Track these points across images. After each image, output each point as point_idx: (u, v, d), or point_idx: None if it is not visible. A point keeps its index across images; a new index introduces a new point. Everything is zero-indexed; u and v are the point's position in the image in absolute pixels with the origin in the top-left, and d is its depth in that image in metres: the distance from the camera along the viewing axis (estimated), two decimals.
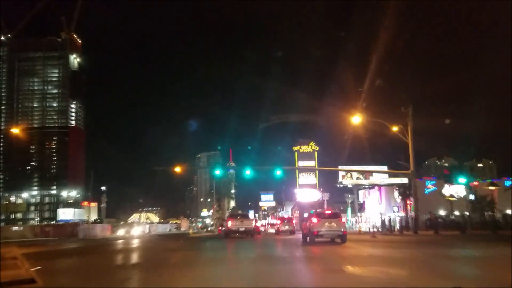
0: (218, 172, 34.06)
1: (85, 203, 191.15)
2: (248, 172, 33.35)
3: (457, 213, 62.41)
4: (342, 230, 21.69)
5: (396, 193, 67.70)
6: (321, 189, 75.77)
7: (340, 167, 79.50)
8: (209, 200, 73.70)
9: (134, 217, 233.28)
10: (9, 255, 3.72)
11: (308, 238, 22.31)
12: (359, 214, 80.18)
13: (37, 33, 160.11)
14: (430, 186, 63.73)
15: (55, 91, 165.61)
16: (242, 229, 29.89)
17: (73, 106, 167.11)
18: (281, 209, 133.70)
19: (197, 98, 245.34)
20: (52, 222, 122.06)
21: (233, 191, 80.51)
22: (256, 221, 47.03)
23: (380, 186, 73.56)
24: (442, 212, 67.18)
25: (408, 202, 62.69)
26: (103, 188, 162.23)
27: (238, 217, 31.85)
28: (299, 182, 75.29)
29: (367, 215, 79.51)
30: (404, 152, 59.64)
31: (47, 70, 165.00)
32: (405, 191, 50.90)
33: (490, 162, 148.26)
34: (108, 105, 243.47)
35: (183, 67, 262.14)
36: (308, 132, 78.17)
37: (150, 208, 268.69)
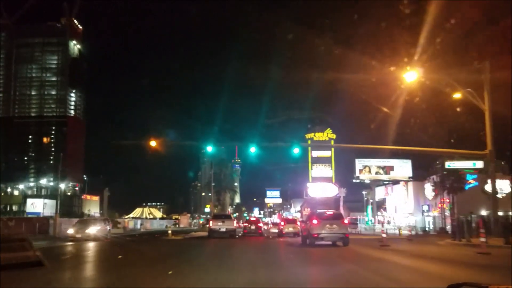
0: (210, 148, 23.13)
1: (88, 197, 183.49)
2: (253, 150, 22.67)
3: (501, 213, 51.25)
4: (344, 232, 19.92)
5: (428, 189, 56.32)
6: (338, 183, 64.56)
7: (358, 159, 68.57)
8: (209, 194, 62.83)
9: (137, 211, 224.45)
10: (17, 237, 3.73)
11: (307, 240, 20.74)
12: (378, 213, 69.02)
13: (37, 19, 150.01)
14: (471, 180, 52.15)
15: (53, 78, 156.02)
16: (223, 229, 29.97)
17: (72, 94, 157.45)
18: (288, 206, 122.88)
19: (203, 88, 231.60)
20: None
21: (236, 184, 68.73)
22: (259, 221, 41.89)
23: (407, 181, 62.17)
24: (483, 212, 55.71)
25: (443, 199, 51.41)
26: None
27: (220, 218, 32.29)
28: (312, 175, 64.08)
29: (389, 214, 68.27)
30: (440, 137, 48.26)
31: (46, 57, 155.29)
32: (452, 184, 39.43)
33: None
34: (110, 94, 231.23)
35: (188, 56, 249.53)
36: (323, 118, 66.62)
37: (154, 203, 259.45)
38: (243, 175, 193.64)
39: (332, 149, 63.55)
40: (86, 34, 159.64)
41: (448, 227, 45.94)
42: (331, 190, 63.10)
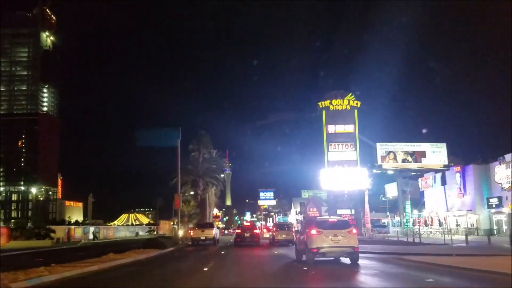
0: None
1: (70, 203, 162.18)
2: None
3: None
4: (353, 246, 14.36)
5: (502, 173, 36.40)
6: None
7: (380, 144, 49.10)
8: (192, 192, 42.04)
9: (122, 218, 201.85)
10: None
11: (304, 256, 15.15)
12: (417, 213, 49.00)
13: (5, 8, 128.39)
14: None
15: (24, 73, 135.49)
16: (203, 237, 29.34)
17: (44, 90, 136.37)
18: (279, 211, 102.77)
19: (189, 80, 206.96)
20: None
21: (222, 175, 47.76)
22: (255, 228, 33.74)
23: (463, 166, 42.34)
24: None
25: None
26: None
27: (201, 227, 30.89)
28: (329, 159, 43.62)
29: (429, 213, 48.22)
30: None
31: (15, 49, 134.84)
32: None
33: None
34: (87, 90, 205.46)
35: (171, 49, 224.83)
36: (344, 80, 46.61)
37: (142, 209, 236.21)
38: (235, 178, 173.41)
39: (356, 122, 43.21)
40: (60, 25, 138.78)
41: None
42: (358, 179, 42.58)
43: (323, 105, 43.68)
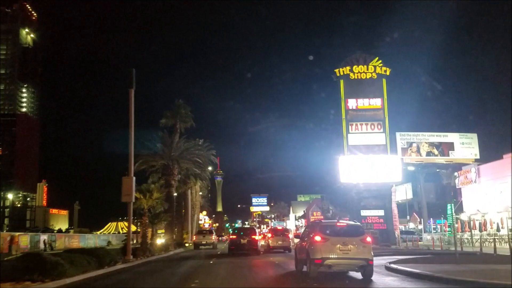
0: None
1: (55, 210, 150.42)
2: None
3: None
4: (367, 258, 11.15)
5: None
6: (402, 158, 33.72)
7: (400, 133, 38.82)
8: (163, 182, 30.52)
9: (110, 226, 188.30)
10: None
11: (305, 267, 12.14)
12: (458, 217, 38.20)
13: None
14: None
15: (1, 71, 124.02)
16: (204, 242, 31.22)
17: (23, 90, 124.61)
18: (282, 208, 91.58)
19: (181, 82, 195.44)
20: None
21: (210, 168, 36.57)
22: (254, 234, 26.82)
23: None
24: None
25: None
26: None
27: (202, 233, 33.30)
28: (349, 143, 32.73)
29: (470, 214, 37.36)
30: None
31: None
32: None
33: None
34: (71, 90, 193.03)
35: (163, 47, 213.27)
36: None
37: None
38: (226, 184, 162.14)
39: (385, 95, 32.42)
40: (42, 22, 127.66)
41: None
42: (389, 169, 31.69)
43: (341, 73, 32.85)
